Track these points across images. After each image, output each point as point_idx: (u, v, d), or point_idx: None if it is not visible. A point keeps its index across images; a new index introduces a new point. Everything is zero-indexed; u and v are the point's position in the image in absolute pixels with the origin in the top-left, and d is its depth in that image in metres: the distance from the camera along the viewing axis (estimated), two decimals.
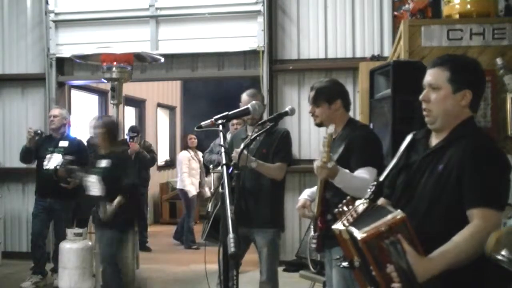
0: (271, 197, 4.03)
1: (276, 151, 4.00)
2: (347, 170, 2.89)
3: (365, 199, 2.19)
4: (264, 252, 4.00)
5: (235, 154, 3.53)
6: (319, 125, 3.31)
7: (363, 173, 2.96)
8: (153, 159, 8.15)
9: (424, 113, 2.20)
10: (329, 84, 3.32)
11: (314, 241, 3.04)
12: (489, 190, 2.00)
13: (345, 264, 2.19)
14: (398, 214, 1.95)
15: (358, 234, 1.95)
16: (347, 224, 2.08)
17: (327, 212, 2.92)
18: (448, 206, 2.06)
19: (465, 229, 1.97)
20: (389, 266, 1.91)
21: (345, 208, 2.17)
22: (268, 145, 4.02)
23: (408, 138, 2.35)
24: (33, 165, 6.05)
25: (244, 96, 4.11)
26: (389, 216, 1.94)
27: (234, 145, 4.14)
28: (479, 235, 1.94)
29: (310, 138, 6.74)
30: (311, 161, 6.32)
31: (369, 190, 2.30)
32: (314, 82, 3.40)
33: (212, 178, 7.39)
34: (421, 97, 2.20)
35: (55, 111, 6.05)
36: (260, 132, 3.44)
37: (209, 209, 4.28)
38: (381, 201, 2.38)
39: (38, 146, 5.88)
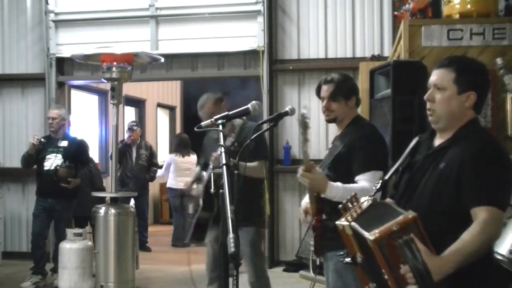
0: (250, 195, 3.74)
1: (254, 150, 3.82)
2: (338, 183, 2.76)
3: (370, 196, 2.20)
4: (246, 252, 3.90)
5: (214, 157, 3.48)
6: (332, 121, 3.11)
7: (363, 181, 2.85)
8: (155, 174, 8.26)
9: (428, 112, 2.22)
10: (346, 79, 3.13)
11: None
12: (493, 189, 2.01)
13: (348, 260, 2.20)
14: (409, 213, 1.94)
15: (369, 235, 1.92)
16: (350, 220, 2.09)
17: (323, 212, 2.85)
18: (448, 204, 2.07)
19: (473, 225, 1.97)
20: (403, 267, 1.89)
21: (349, 204, 2.17)
22: (239, 142, 3.84)
23: (414, 141, 2.36)
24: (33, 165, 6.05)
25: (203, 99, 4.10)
26: (401, 216, 1.93)
27: (207, 145, 4.11)
28: (488, 230, 1.96)
29: (309, 138, 6.72)
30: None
31: (374, 188, 2.33)
32: (325, 76, 3.15)
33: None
34: (425, 96, 2.22)
35: (53, 113, 5.95)
36: (257, 133, 3.35)
37: (190, 211, 4.17)
38: (387, 201, 2.39)
39: (38, 149, 5.85)
